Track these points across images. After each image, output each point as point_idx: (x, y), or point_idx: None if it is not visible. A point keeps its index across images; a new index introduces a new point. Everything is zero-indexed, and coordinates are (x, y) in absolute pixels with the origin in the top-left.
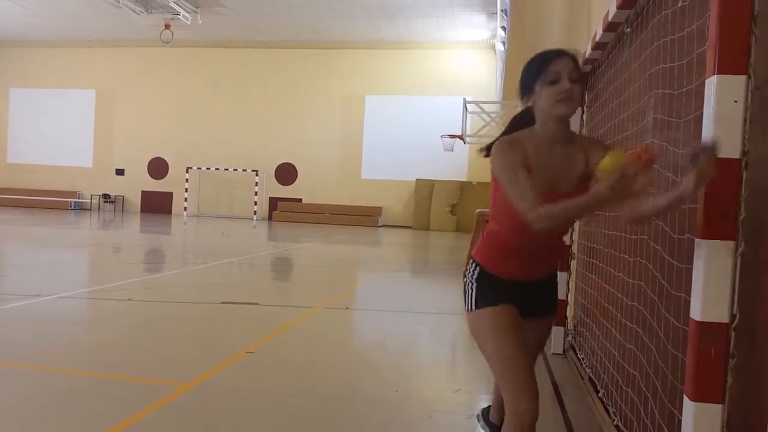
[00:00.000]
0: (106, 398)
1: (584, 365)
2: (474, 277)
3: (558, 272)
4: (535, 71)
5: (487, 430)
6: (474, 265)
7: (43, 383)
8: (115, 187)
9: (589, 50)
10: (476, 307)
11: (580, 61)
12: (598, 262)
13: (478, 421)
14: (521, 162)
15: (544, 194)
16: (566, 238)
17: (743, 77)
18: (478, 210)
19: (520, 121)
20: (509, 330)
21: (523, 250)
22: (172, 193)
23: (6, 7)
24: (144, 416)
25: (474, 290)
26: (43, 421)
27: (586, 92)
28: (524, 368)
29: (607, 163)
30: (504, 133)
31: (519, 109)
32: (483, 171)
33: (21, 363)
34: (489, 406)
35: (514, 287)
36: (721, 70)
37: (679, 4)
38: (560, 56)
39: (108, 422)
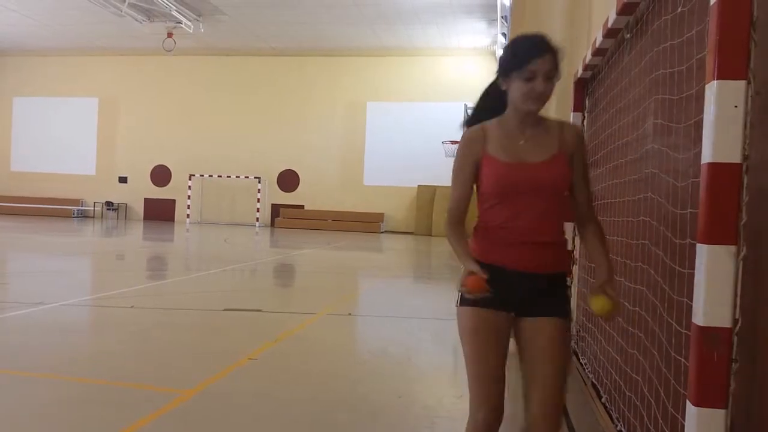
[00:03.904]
0: (109, 405)
1: (587, 370)
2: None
3: (567, 276)
4: (515, 64)
5: None
6: None
7: (44, 391)
8: (118, 194)
9: (589, 56)
10: (460, 304)
11: (561, 55)
12: None
13: None
14: (472, 161)
15: (516, 164)
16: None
17: (743, 82)
18: None
19: (490, 96)
20: (484, 333)
21: (504, 231)
22: (174, 200)
23: (9, 16)
24: (147, 423)
25: None
26: (45, 428)
27: (587, 97)
28: (492, 377)
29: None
30: (475, 109)
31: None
32: None
33: (23, 371)
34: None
35: (505, 277)
36: (721, 75)
37: (679, 10)
38: (541, 56)
39: (110, 430)
